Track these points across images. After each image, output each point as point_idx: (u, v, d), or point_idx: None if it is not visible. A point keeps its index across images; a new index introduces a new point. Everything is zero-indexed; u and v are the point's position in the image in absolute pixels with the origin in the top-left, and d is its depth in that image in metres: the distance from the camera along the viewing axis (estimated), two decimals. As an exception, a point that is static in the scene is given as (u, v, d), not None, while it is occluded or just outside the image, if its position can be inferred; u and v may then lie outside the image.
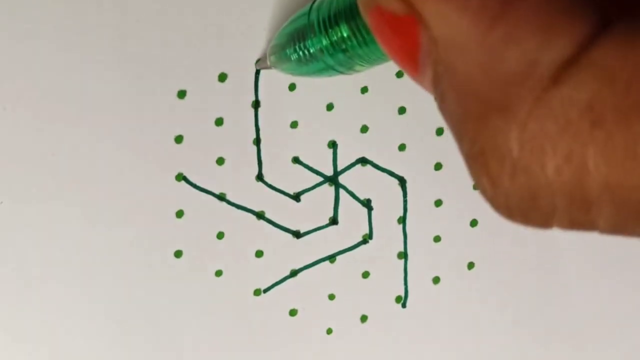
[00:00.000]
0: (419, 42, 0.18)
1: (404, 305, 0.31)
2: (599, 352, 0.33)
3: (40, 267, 0.27)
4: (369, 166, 0.29)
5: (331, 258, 0.30)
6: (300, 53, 0.26)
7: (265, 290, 0.29)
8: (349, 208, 0.29)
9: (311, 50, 0.25)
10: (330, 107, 0.29)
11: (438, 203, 0.30)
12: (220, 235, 0.28)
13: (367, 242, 0.30)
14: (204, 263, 0.28)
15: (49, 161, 0.26)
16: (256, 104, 0.28)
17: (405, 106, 0.29)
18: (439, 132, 0.30)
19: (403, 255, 0.30)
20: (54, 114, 0.26)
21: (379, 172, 0.29)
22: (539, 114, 0.16)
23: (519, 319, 0.32)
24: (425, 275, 0.31)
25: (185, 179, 0.28)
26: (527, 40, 0.16)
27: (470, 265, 0.31)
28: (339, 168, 0.29)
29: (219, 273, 0.29)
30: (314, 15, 0.25)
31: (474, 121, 0.17)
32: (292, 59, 0.26)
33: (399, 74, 0.29)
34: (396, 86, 0.29)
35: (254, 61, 0.27)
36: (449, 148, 0.30)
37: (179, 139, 0.27)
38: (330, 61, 0.25)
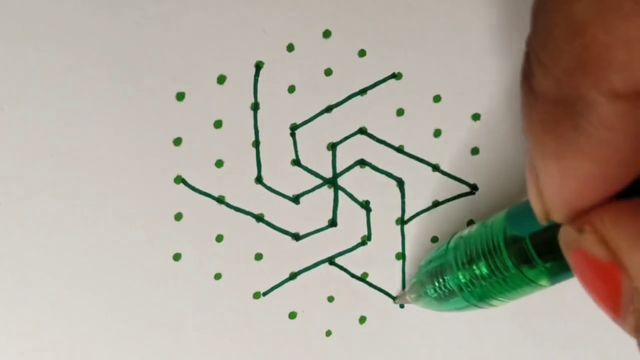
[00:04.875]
0: (621, 289, 0.18)
1: (402, 306, 0.31)
2: (599, 351, 0.33)
3: (38, 269, 0.27)
4: (367, 168, 0.29)
5: (330, 260, 0.30)
6: (440, 291, 0.27)
7: (265, 293, 0.29)
8: (348, 210, 0.29)
9: (450, 288, 0.27)
10: (329, 109, 0.28)
11: (435, 204, 0.30)
12: (219, 238, 0.28)
13: (366, 243, 0.30)
14: (203, 266, 0.28)
15: (47, 163, 0.26)
16: (255, 106, 0.28)
17: (404, 108, 0.29)
18: (437, 133, 0.30)
19: (401, 256, 0.30)
20: (52, 116, 0.26)
21: (377, 173, 0.29)
22: None
23: (517, 318, 0.32)
24: (422, 276, 0.31)
25: (184, 181, 0.28)
26: None
27: (467, 266, 0.31)
28: (338, 170, 0.29)
29: (218, 276, 0.29)
30: (451, 255, 0.26)
31: None
32: (432, 296, 0.27)
33: (398, 77, 0.29)
34: (394, 88, 0.29)
35: (254, 63, 0.27)
36: (446, 150, 0.30)
37: (177, 141, 0.27)
38: (469, 297, 0.26)
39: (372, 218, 0.30)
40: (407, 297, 0.29)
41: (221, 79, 0.27)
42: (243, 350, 0.29)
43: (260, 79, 0.28)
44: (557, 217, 0.20)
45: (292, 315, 0.30)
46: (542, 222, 0.20)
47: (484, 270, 0.25)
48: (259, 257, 0.29)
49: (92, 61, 0.26)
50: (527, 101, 0.19)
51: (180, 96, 0.27)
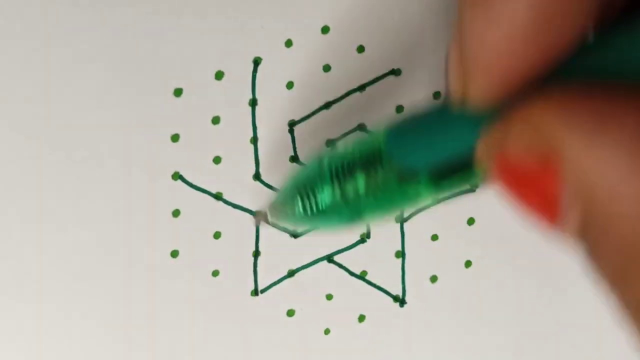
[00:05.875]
0: (559, 189, 0.16)
1: (401, 305, 0.31)
2: (598, 351, 0.33)
3: (34, 266, 0.27)
4: (366, 165, 0.29)
5: (329, 258, 0.30)
6: (308, 208, 0.25)
7: (263, 291, 0.29)
8: (347, 207, 0.29)
9: (321, 204, 0.24)
10: (327, 105, 0.28)
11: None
12: (217, 235, 0.28)
13: (365, 241, 0.30)
14: (201, 263, 0.28)
15: (44, 160, 0.26)
16: (253, 102, 0.28)
17: (403, 105, 0.29)
18: (437, 130, 0.30)
19: (401, 254, 0.30)
20: (49, 113, 0.26)
21: (376, 170, 0.29)
22: None
23: (516, 318, 0.32)
24: (422, 274, 0.31)
25: (181, 178, 0.27)
26: None
27: (468, 264, 0.31)
28: (337, 167, 0.29)
29: (215, 273, 0.28)
30: (325, 169, 0.24)
31: None
32: (299, 214, 0.25)
33: (397, 73, 0.29)
34: (393, 85, 0.29)
35: (252, 59, 0.27)
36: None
37: (175, 138, 0.27)
38: (342, 214, 0.24)
39: (371, 215, 0.30)
40: (269, 216, 0.26)
41: (219, 75, 0.27)
42: (241, 348, 0.29)
43: (258, 75, 0.27)
44: (476, 87, 0.17)
45: (290, 313, 0.29)
46: (458, 101, 0.18)
47: (361, 185, 0.23)
48: (256, 254, 0.29)
49: (89, 57, 0.26)
50: None
51: (178, 92, 0.27)
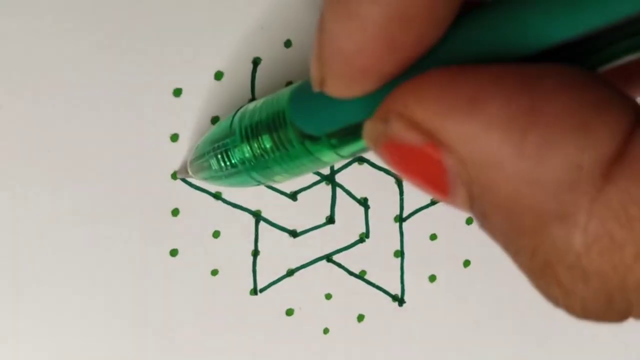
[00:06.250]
0: (444, 167, 0.17)
1: (400, 304, 0.31)
2: (598, 351, 0.33)
3: (33, 265, 0.27)
4: (365, 164, 0.29)
5: (328, 257, 0.30)
6: (222, 164, 0.26)
7: (262, 290, 0.29)
8: (346, 207, 0.29)
9: (233, 161, 0.25)
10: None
11: (434, 201, 0.30)
12: (216, 234, 0.28)
13: (364, 240, 0.30)
14: (200, 262, 0.28)
15: (43, 159, 0.26)
16: (253, 102, 0.28)
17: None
18: (436, 130, 0.30)
19: (400, 253, 0.30)
20: (49, 112, 0.26)
21: (375, 170, 0.29)
22: (599, 215, 0.15)
23: (515, 317, 0.32)
24: (421, 273, 0.31)
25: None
26: (566, 143, 0.15)
27: (467, 263, 0.31)
28: (336, 167, 0.29)
29: (214, 272, 0.28)
30: (236, 127, 0.25)
31: (531, 234, 0.16)
32: (214, 169, 0.26)
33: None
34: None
35: (251, 59, 0.27)
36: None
37: (174, 138, 0.27)
38: (252, 172, 0.25)
39: (371, 215, 0.30)
40: (189, 170, 0.28)
41: (218, 75, 0.27)
42: (239, 347, 0.29)
43: (257, 75, 0.27)
44: (333, 76, 0.18)
45: (289, 312, 0.29)
46: (316, 87, 0.18)
47: (268, 144, 0.24)
48: (255, 253, 0.29)
49: (89, 57, 0.26)
50: None
51: (178, 92, 0.27)
